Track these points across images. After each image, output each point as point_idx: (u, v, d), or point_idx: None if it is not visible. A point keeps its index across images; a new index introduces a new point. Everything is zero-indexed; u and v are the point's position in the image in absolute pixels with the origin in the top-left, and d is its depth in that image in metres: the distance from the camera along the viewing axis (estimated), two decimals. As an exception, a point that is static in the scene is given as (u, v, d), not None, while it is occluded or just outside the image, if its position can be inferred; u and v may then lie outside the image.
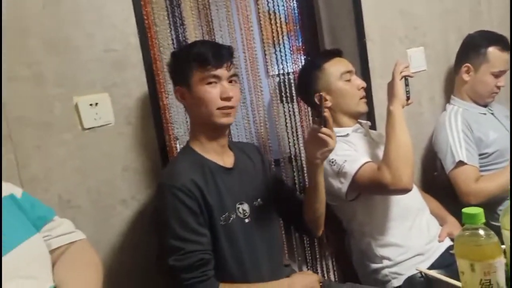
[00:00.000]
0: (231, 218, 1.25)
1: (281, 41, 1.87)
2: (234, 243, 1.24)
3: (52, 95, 1.22)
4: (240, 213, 1.27)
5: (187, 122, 1.59)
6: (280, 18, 1.86)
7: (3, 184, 0.97)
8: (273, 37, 1.84)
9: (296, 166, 1.90)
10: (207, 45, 1.29)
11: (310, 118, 1.90)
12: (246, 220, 1.28)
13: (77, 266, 0.97)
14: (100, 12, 1.29)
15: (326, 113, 1.16)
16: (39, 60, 1.20)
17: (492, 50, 1.80)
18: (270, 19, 1.83)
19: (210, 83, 1.23)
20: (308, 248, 1.93)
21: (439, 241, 1.54)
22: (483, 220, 0.85)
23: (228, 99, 1.24)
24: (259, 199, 1.34)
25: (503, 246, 0.93)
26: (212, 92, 1.23)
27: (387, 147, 1.41)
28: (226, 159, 1.32)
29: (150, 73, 1.39)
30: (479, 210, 0.85)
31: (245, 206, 1.29)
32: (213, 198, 1.22)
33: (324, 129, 1.15)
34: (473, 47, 1.85)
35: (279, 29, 1.85)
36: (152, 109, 1.39)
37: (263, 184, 1.38)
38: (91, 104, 1.28)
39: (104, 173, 1.32)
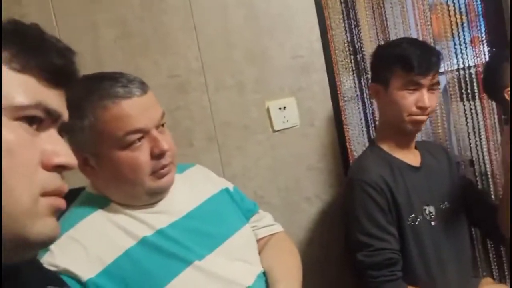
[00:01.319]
0: (418, 220, 1.19)
1: (460, 33, 1.74)
2: (421, 246, 1.19)
3: (249, 100, 1.35)
4: (427, 215, 1.21)
5: (361, 123, 1.59)
6: (459, 9, 1.73)
7: (218, 178, 1.09)
8: (451, 29, 1.72)
9: (479, 170, 1.73)
10: (415, 47, 1.20)
11: (496, 116, 1.72)
12: (433, 223, 1.21)
13: (281, 254, 1.03)
14: (289, 23, 1.38)
15: None
16: (241, 69, 1.33)
17: None
18: (448, 10, 1.71)
19: (409, 89, 1.18)
20: (495, 258, 1.73)
21: None
22: None
23: (423, 109, 1.18)
24: (446, 202, 1.25)
25: None
26: (409, 99, 1.18)
27: None
28: (413, 158, 1.28)
29: (331, 76, 1.42)
30: None
31: (431, 208, 1.22)
32: (401, 197, 1.18)
33: None
34: None
35: (458, 20, 1.72)
36: (334, 111, 1.42)
37: (450, 186, 1.29)
38: (280, 108, 1.37)
39: (291, 172, 1.39)
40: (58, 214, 0.50)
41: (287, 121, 1.38)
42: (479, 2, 1.73)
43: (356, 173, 1.21)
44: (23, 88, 0.46)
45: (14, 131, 0.45)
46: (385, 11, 1.66)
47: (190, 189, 0.99)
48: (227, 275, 0.89)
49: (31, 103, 0.47)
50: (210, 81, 1.31)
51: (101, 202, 0.87)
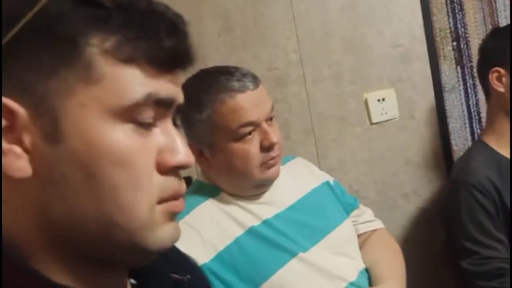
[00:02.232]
0: None
1: None
2: None
3: (347, 92, 1.32)
4: None
5: (463, 116, 1.49)
6: None
7: (319, 171, 1.08)
8: None
9: None
10: None
11: None
12: None
13: (384, 251, 1.01)
14: (389, 8, 1.33)
15: None
16: (339, 60, 1.31)
17: None
18: None
19: None
20: None
21: None
22: None
23: None
24: None
25: None
26: None
27: None
28: None
29: (435, 65, 1.35)
30: None
31: None
32: (510, 201, 1.10)
33: None
34: None
35: None
36: (436, 102, 1.35)
37: None
38: (378, 100, 1.33)
39: (388, 166, 1.35)
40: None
41: (386, 113, 1.33)
42: None
43: (461, 174, 1.15)
44: (130, 82, 0.39)
45: (125, 136, 0.39)
46: (495, -7, 1.53)
47: (293, 181, 1.00)
48: (331, 268, 0.89)
49: (140, 99, 0.39)
50: (307, 73, 1.30)
51: (212, 191, 0.91)
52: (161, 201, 0.42)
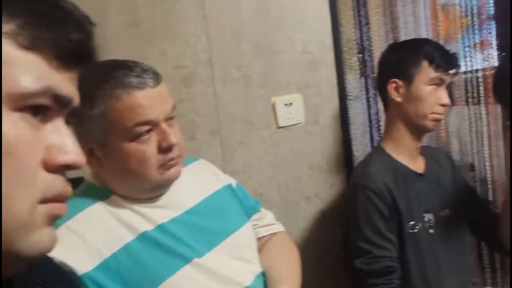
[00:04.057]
0: (417, 227, 1.19)
1: (467, 36, 1.72)
2: (419, 254, 1.19)
3: (255, 95, 1.33)
4: (426, 222, 1.21)
5: (365, 124, 1.57)
6: (470, 10, 1.71)
7: (222, 174, 1.07)
8: (460, 31, 1.70)
9: (479, 176, 1.73)
10: (437, 46, 1.27)
11: (500, 122, 1.71)
12: (431, 231, 1.21)
13: (281, 254, 1.03)
14: (300, 16, 1.36)
15: None
16: (249, 63, 1.31)
17: None
18: (459, 11, 1.69)
19: (433, 84, 1.21)
20: (489, 269, 1.73)
21: None
22: None
23: (445, 106, 1.23)
24: (446, 210, 1.25)
25: None
26: (433, 96, 1.21)
27: None
28: (418, 164, 1.27)
29: (340, 74, 1.41)
30: None
31: (431, 216, 1.22)
32: (402, 204, 1.18)
33: None
34: None
35: (466, 22, 1.70)
36: (340, 109, 1.41)
37: (452, 193, 1.29)
38: (286, 104, 1.35)
39: (292, 170, 1.38)
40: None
41: (292, 117, 1.36)
42: (491, 5, 1.71)
43: (359, 179, 1.21)
44: (30, 70, 0.38)
45: (15, 126, 0.37)
46: (396, 10, 1.64)
47: (194, 183, 0.97)
48: (226, 273, 0.89)
49: (38, 89, 0.38)
50: (216, 73, 1.29)
51: (102, 193, 0.85)
52: (43, 201, 0.39)
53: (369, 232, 1.15)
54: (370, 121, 1.60)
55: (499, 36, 1.72)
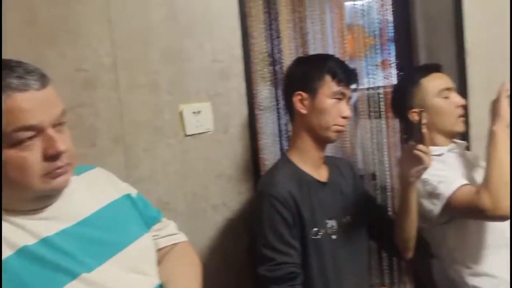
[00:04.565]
0: (320, 234, 1.25)
1: (371, 55, 1.85)
2: (321, 259, 1.24)
3: (163, 101, 1.31)
4: (329, 228, 1.27)
5: (274, 133, 1.62)
6: (372, 31, 1.83)
7: (122, 183, 1.04)
8: (364, 50, 1.82)
9: (380, 184, 1.86)
10: (339, 62, 1.32)
11: (398, 134, 1.85)
12: (333, 237, 1.27)
13: (181, 266, 1.01)
14: (211, 24, 1.37)
15: (424, 130, 1.13)
16: (156, 69, 1.29)
17: None
18: (362, 32, 1.81)
19: (335, 98, 1.27)
20: (387, 270, 1.86)
21: None
22: None
23: (346, 118, 1.28)
24: (348, 216, 1.32)
25: None
26: (336, 108, 1.26)
27: (488, 170, 1.33)
28: (321, 173, 1.33)
29: (249, 84, 1.43)
30: None
31: (334, 222, 1.28)
32: (306, 211, 1.23)
33: (420, 146, 1.12)
34: None
35: (370, 42, 1.83)
36: (249, 119, 1.43)
37: (354, 201, 1.36)
38: (194, 112, 1.35)
39: (200, 178, 1.38)
40: None
41: (201, 125, 1.36)
42: (391, 28, 1.85)
43: (265, 187, 1.24)
44: None
45: None
46: (306, 26, 1.72)
47: (88, 193, 0.92)
48: (120, 287, 0.85)
49: None
50: (121, 78, 1.25)
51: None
52: None
53: (273, 239, 1.18)
54: (280, 131, 1.65)
55: (397, 57, 1.88)
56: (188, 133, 1.35)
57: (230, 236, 1.42)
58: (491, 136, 1.36)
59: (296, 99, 1.28)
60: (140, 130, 1.28)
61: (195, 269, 1.02)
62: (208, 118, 1.37)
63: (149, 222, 1.03)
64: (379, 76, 1.86)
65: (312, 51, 1.71)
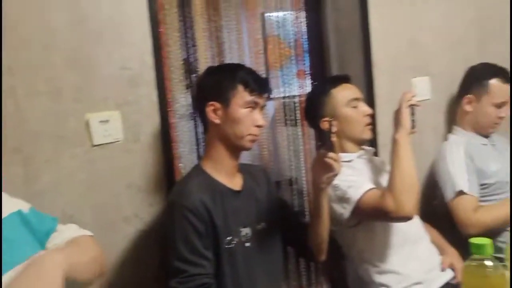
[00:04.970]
0: (234, 242, 1.25)
1: (287, 65, 1.91)
2: (235, 268, 1.25)
3: (67, 110, 1.25)
4: (243, 236, 1.28)
5: (192, 141, 1.61)
6: (288, 42, 1.90)
7: (11, 199, 0.96)
8: (280, 60, 1.88)
9: (297, 189, 1.91)
10: (251, 71, 1.33)
11: (313, 141, 1.92)
12: (247, 244, 1.28)
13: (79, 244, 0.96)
14: (120, 31, 1.33)
15: (334, 139, 1.18)
16: (59, 75, 1.23)
17: (493, 82, 1.84)
18: (278, 42, 1.86)
19: (248, 107, 1.27)
20: (304, 273, 1.91)
21: (442, 269, 1.54)
22: (492, 252, 0.86)
23: (260, 127, 1.29)
24: (263, 223, 1.34)
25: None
26: (249, 118, 1.27)
27: (391, 175, 1.42)
28: (235, 182, 1.34)
29: (161, 92, 1.41)
30: (487, 241, 0.86)
31: (248, 230, 1.29)
32: (219, 221, 1.23)
33: (331, 154, 1.17)
34: (475, 79, 1.89)
35: (286, 52, 1.88)
36: (162, 127, 1.41)
37: (268, 208, 1.39)
38: (101, 121, 1.30)
39: (108, 190, 1.33)
40: None
41: (109, 135, 1.31)
42: (305, 40, 1.93)
43: (177, 197, 1.22)
44: None
45: None
46: (222, 35, 1.73)
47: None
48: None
49: None
50: (18, 85, 1.17)
51: None
52: None
53: (185, 251, 1.16)
54: (197, 139, 1.65)
55: (312, 68, 1.95)
56: (96, 142, 1.29)
57: (142, 248, 1.38)
58: (394, 143, 1.45)
59: (209, 109, 1.28)
60: (41, 139, 1.21)
61: (94, 250, 0.97)
62: (117, 127, 1.33)
63: (43, 238, 0.97)
64: (295, 85, 1.92)
65: (228, 60, 1.73)
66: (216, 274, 1.21)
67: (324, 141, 1.20)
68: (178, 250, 1.16)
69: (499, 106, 1.84)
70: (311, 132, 1.89)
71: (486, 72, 1.87)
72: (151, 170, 1.40)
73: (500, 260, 0.97)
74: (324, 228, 1.34)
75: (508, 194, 1.75)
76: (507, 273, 0.89)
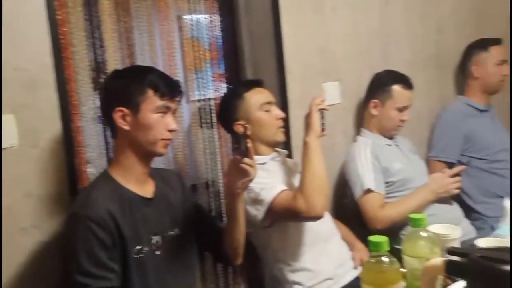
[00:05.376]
0: (144, 251, 1.21)
1: (203, 68, 1.90)
2: (145, 278, 1.21)
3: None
4: (153, 245, 1.24)
5: (100, 145, 1.54)
6: (203, 46, 1.88)
7: None
8: (195, 63, 1.86)
9: (213, 192, 1.90)
10: (161, 74, 1.28)
11: (229, 144, 1.92)
12: (157, 252, 1.25)
13: None
14: (15, 30, 1.23)
15: (249, 144, 1.19)
16: None
17: (396, 88, 1.98)
18: (193, 46, 1.84)
19: (160, 112, 1.23)
20: (222, 275, 1.91)
21: (355, 267, 1.62)
22: (387, 248, 0.91)
23: (173, 131, 1.26)
24: (176, 229, 1.32)
25: (403, 270, 1.01)
26: (161, 123, 1.23)
27: (303, 176, 1.47)
28: (147, 188, 1.29)
29: (63, 94, 1.33)
30: (383, 239, 0.91)
31: (158, 238, 1.26)
32: (128, 230, 1.18)
33: (246, 160, 1.17)
34: (379, 84, 2.02)
35: (201, 56, 1.87)
36: (64, 132, 1.32)
37: (182, 213, 1.36)
38: (-6, 125, 1.19)
39: (4, 199, 1.22)
40: None
41: (2, 141, 1.21)
42: (220, 44, 1.93)
43: (80, 207, 1.16)
44: None
45: None
46: (132, 37, 1.67)
47: None
48: None
49: None
50: None
51: None
52: None
53: (88, 265, 1.10)
54: (106, 143, 1.57)
55: (227, 71, 1.96)
56: (-14, 148, 1.18)
57: (43, 261, 1.29)
58: (305, 146, 1.50)
59: (117, 115, 1.22)
60: None
61: None
62: (11, 131, 1.23)
63: None
64: (212, 88, 1.91)
65: (140, 63, 1.67)
66: (125, 285, 1.16)
67: (239, 144, 1.20)
68: (80, 263, 1.10)
69: (401, 110, 1.98)
70: (227, 134, 1.89)
71: (389, 79, 2.01)
72: (52, 177, 1.31)
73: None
74: (240, 232, 1.34)
75: (410, 191, 1.89)
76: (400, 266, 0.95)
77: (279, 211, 1.47)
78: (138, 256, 1.20)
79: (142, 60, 1.68)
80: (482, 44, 2.35)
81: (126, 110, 1.22)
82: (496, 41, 2.33)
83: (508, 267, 0.69)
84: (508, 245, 1.11)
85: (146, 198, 1.27)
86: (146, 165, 1.29)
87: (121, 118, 1.22)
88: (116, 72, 1.33)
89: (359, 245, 1.73)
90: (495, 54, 2.31)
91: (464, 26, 2.50)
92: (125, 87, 1.23)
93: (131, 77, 1.25)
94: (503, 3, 2.65)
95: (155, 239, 1.25)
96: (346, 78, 2.10)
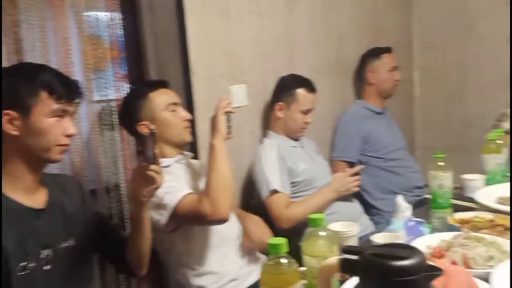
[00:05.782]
0: (30, 267, 1.10)
1: (104, 68, 1.80)
2: None
3: None
4: (42, 259, 1.13)
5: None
6: (104, 44, 1.78)
7: None
8: (95, 62, 1.75)
9: (116, 196, 1.81)
10: (56, 73, 1.16)
11: (133, 147, 1.84)
12: (46, 267, 1.13)
13: None
14: None
15: (156, 150, 1.15)
16: None
17: (300, 91, 2.05)
18: (92, 44, 1.73)
19: (56, 116, 1.12)
20: (125, 285, 1.82)
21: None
22: (286, 250, 0.92)
23: (71, 136, 1.15)
24: (71, 239, 1.21)
25: (303, 268, 1.04)
26: (57, 128, 1.12)
27: (208, 179, 1.45)
28: (37, 198, 1.17)
29: None
30: (282, 241, 0.92)
31: (49, 251, 1.15)
32: (11, 246, 1.06)
33: (153, 166, 1.12)
34: (284, 88, 2.08)
35: (102, 55, 1.77)
36: None
37: (79, 222, 1.26)
38: None
39: None
40: None
41: None
42: (122, 43, 1.84)
43: None
44: None
45: None
46: (20, 31, 1.52)
47: None
48: None
49: None
50: None
51: None
52: None
53: None
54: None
55: (130, 71, 1.88)
56: None
57: None
58: (211, 148, 1.49)
59: (3, 119, 1.08)
60: None
61: None
62: None
63: None
64: (113, 89, 1.82)
65: (29, 60, 1.52)
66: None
67: (144, 148, 1.14)
68: None
69: (305, 112, 2.06)
70: (130, 136, 1.81)
71: (294, 82, 2.08)
72: None
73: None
74: (145, 241, 1.28)
75: (315, 190, 1.97)
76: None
77: (184, 215, 1.44)
78: (22, 273, 1.08)
79: (32, 56, 1.54)
80: (375, 53, 2.53)
81: (13, 114, 1.09)
82: (387, 50, 2.53)
83: (397, 262, 0.73)
84: (401, 240, 1.22)
85: (35, 209, 1.15)
86: (37, 172, 1.17)
87: (8, 122, 1.09)
88: (1, 71, 1.17)
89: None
90: (386, 61, 2.49)
91: (362, 35, 2.67)
92: (12, 88, 1.10)
93: (19, 77, 1.12)
94: (397, 15, 2.92)
95: (45, 252, 1.14)
96: (252, 81, 2.13)
